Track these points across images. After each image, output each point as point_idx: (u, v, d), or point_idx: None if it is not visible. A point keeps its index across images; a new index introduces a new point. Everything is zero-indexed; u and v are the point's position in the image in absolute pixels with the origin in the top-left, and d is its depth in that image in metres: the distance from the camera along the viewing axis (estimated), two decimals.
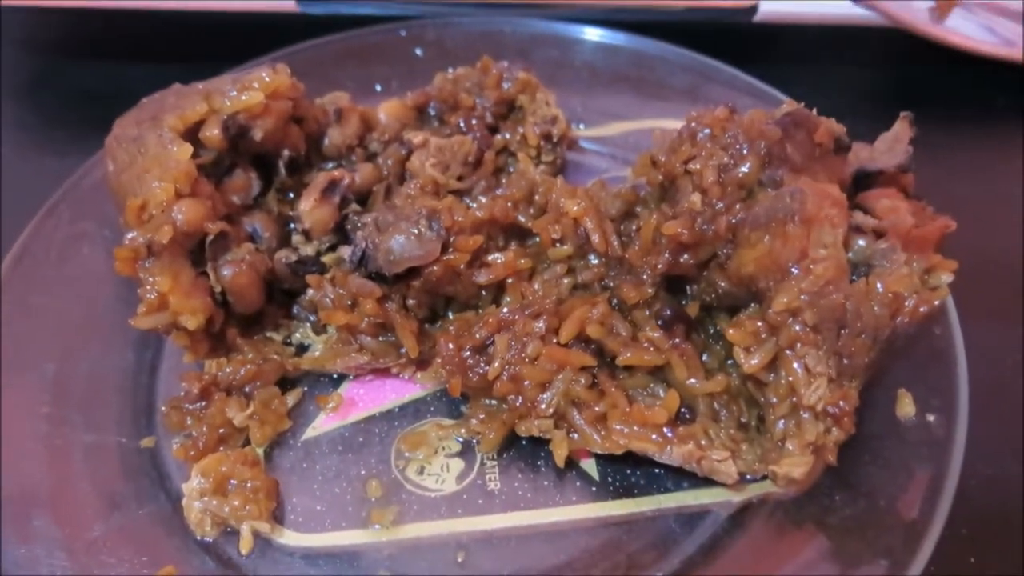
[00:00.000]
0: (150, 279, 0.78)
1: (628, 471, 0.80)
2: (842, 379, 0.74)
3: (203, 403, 0.82)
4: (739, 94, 1.05)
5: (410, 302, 0.85)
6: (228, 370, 0.84)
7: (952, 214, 0.78)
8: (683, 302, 0.85)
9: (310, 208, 0.87)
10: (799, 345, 0.73)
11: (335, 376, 0.89)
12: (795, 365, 0.73)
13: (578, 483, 0.79)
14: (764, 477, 0.77)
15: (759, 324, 0.76)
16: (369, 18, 1.24)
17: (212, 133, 0.84)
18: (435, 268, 0.82)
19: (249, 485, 0.76)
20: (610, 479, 0.80)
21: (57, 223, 0.97)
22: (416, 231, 0.82)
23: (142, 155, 0.82)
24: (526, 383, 0.79)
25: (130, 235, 0.78)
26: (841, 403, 0.72)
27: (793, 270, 0.73)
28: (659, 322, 0.80)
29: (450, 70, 1.05)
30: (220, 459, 0.77)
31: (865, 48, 1.26)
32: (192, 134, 0.85)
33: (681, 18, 1.25)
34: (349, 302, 0.84)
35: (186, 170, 0.80)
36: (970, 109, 1.29)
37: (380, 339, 0.85)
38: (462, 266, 0.83)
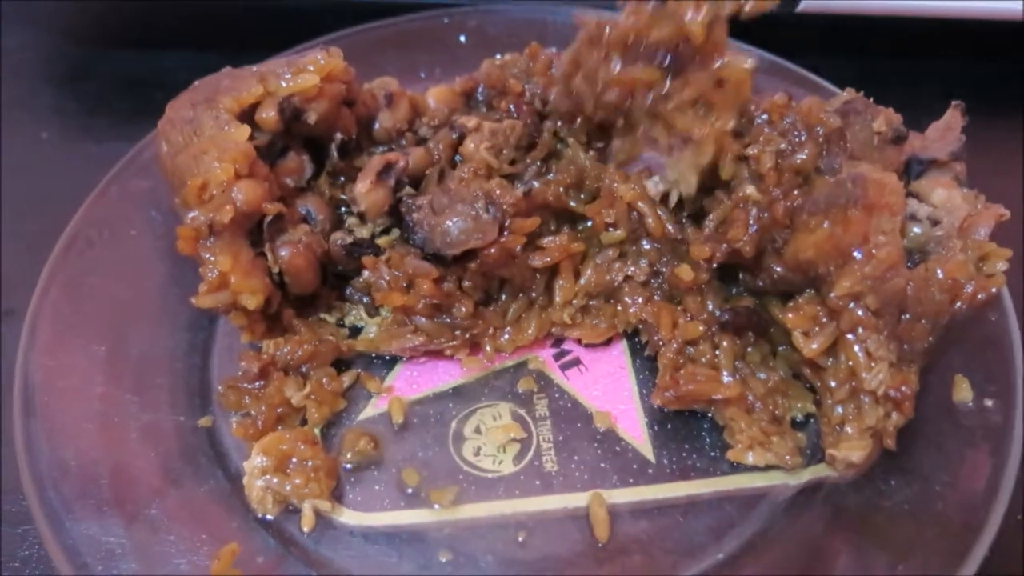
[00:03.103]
0: (211, 258, 0.78)
1: (684, 454, 0.80)
2: (902, 364, 0.74)
3: (261, 383, 0.82)
4: (787, 83, 1.05)
5: (466, 284, 0.85)
6: (286, 350, 0.84)
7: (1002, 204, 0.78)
8: (733, 291, 0.86)
9: (365, 190, 0.87)
10: (860, 329, 0.73)
11: (388, 358, 0.89)
12: (856, 349, 0.74)
13: (635, 466, 0.79)
14: (820, 460, 0.77)
15: (818, 308, 0.76)
16: (411, 5, 1.23)
17: (268, 115, 0.84)
18: (492, 251, 0.82)
19: (309, 464, 0.76)
20: (666, 461, 0.80)
21: (108, 205, 0.97)
22: (473, 213, 0.82)
23: (198, 136, 0.82)
24: None
25: (191, 215, 0.78)
26: (903, 388, 0.72)
27: (856, 255, 0.73)
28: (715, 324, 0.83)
29: (498, 56, 1.05)
30: (280, 438, 0.77)
31: (905, 38, 1.26)
32: (247, 116, 0.85)
33: None
34: (405, 284, 0.84)
35: (244, 151, 0.80)
36: (1013, 101, 1.28)
37: (435, 320, 0.85)
38: (518, 248, 0.83)
